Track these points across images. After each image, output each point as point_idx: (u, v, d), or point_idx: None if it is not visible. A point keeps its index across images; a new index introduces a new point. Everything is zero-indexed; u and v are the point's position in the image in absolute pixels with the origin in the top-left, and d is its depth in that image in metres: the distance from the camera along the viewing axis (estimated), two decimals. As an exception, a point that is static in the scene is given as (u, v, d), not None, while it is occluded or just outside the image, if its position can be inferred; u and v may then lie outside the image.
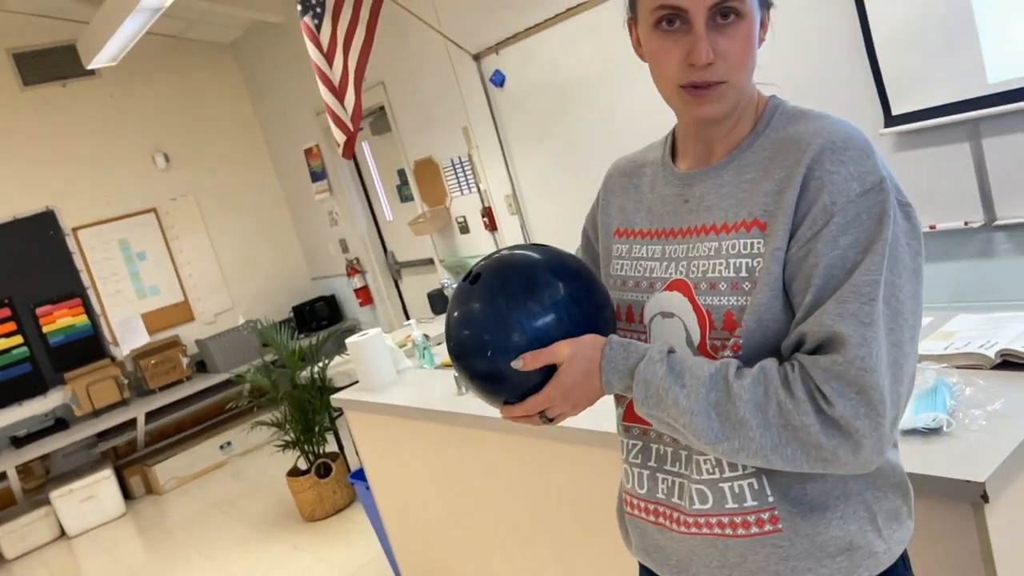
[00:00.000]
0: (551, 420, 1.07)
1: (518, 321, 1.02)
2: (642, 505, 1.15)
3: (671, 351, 1.00)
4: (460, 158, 4.71)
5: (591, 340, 1.02)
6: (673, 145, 1.17)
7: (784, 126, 1.04)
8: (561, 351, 1.01)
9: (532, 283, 1.04)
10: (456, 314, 1.09)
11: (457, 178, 4.81)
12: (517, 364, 1.01)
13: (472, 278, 1.08)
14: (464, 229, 4.91)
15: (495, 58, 4.19)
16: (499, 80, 4.22)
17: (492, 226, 4.65)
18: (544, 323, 1.02)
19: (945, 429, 1.41)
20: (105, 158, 5.97)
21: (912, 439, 1.41)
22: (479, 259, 1.12)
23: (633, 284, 1.14)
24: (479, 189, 4.65)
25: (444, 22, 4.34)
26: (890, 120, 2.67)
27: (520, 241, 4.47)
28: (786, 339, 0.98)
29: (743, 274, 1.00)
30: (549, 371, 1.02)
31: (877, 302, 0.91)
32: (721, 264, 1.02)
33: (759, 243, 0.99)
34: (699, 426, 0.95)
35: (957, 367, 1.62)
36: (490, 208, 4.62)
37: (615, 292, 1.18)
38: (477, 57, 4.28)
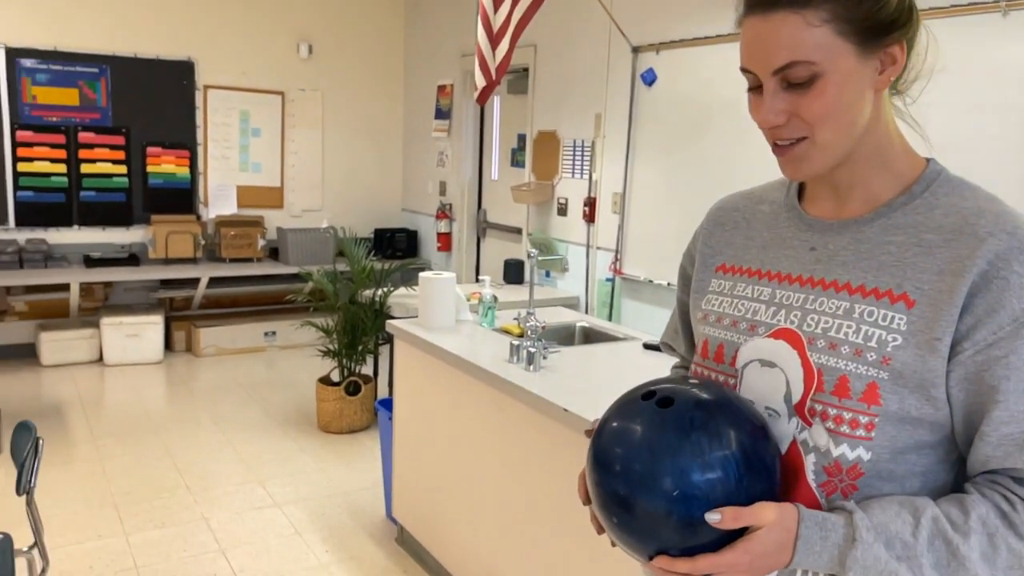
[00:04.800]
0: None
1: (715, 468, 0.88)
2: None
3: (862, 512, 0.90)
4: (583, 142, 4.68)
5: (790, 510, 0.90)
6: (800, 188, 1.09)
7: (947, 195, 0.96)
8: (765, 515, 0.88)
9: (737, 429, 0.91)
10: (632, 437, 0.93)
11: (573, 160, 4.77)
12: (713, 518, 0.87)
13: (660, 400, 0.94)
14: (562, 211, 4.88)
15: (654, 56, 4.13)
16: (650, 79, 4.16)
17: (591, 217, 4.60)
18: (734, 481, 0.89)
19: None
20: (256, 30, 6.13)
21: None
22: (655, 381, 1.01)
23: (730, 323, 1.06)
24: (591, 178, 4.61)
25: (616, 5, 4.29)
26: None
27: (612, 239, 4.42)
28: (979, 458, 0.92)
29: (872, 344, 0.92)
30: (730, 532, 0.90)
31: None
32: (849, 327, 0.94)
33: (901, 319, 0.92)
34: None
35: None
36: (594, 199, 4.58)
37: (704, 327, 1.10)
38: (636, 50, 4.22)
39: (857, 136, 0.95)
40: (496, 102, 5.75)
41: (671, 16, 4.01)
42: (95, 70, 5.61)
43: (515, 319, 2.99)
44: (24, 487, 2.10)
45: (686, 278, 1.21)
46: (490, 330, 3.04)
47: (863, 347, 0.93)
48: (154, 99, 5.83)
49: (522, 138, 5.38)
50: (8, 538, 2.25)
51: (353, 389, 4.38)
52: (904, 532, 0.88)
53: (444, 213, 6.10)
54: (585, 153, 4.67)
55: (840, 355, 0.94)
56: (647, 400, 0.95)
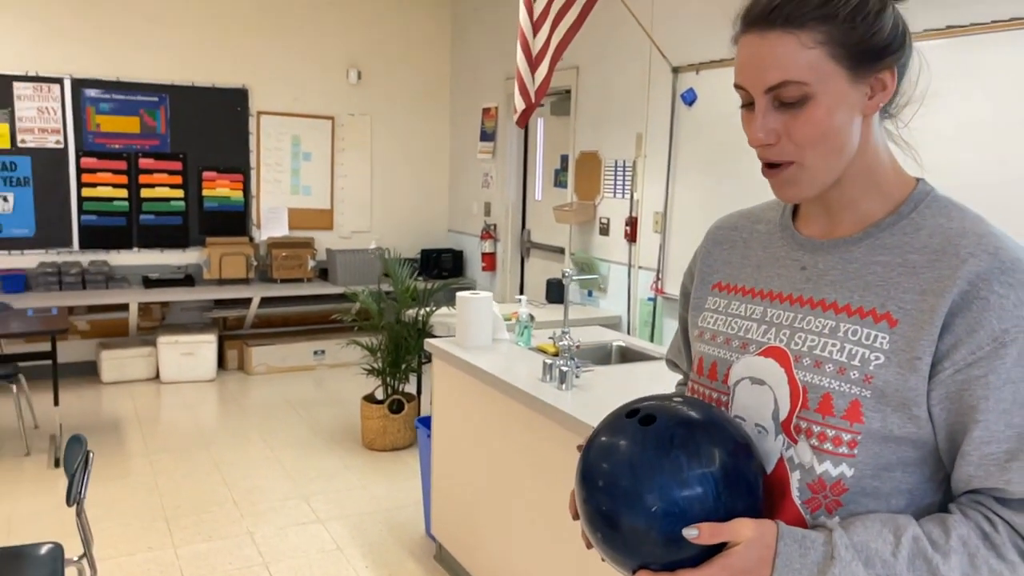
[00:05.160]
0: None
1: (694, 485, 0.90)
2: None
3: (842, 531, 0.91)
4: (624, 162, 4.69)
5: (770, 527, 0.92)
6: (795, 208, 1.11)
7: (934, 215, 0.97)
8: (742, 531, 0.90)
9: (719, 446, 0.93)
10: (615, 453, 0.95)
11: (615, 180, 4.79)
12: (690, 533, 0.89)
13: (643, 418, 0.96)
14: (604, 231, 4.90)
15: (694, 76, 4.13)
16: (690, 98, 4.16)
17: (632, 237, 4.61)
18: (712, 498, 0.90)
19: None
20: (307, 58, 6.32)
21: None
22: (641, 399, 1.02)
23: (723, 340, 1.09)
24: (632, 197, 4.62)
25: (656, 27, 4.31)
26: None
27: (654, 258, 4.42)
28: (962, 478, 0.92)
29: (855, 362, 0.94)
30: (711, 548, 0.91)
31: None
32: (834, 345, 0.96)
33: (883, 338, 0.93)
34: None
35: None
36: (636, 219, 4.59)
37: (700, 344, 1.13)
38: (676, 70, 4.23)
39: (846, 160, 0.97)
40: (540, 123, 5.81)
41: (710, 36, 4.02)
42: (155, 99, 5.85)
43: (550, 338, 3.01)
44: (74, 498, 2.20)
45: (687, 295, 1.23)
46: (526, 349, 3.07)
47: (846, 365, 0.94)
48: (210, 125, 6.05)
49: (565, 159, 5.42)
50: (59, 547, 2.36)
51: (396, 407, 4.44)
52: (884, 551, 0.89)
53: (488, 233, 6.17)
54: (626, 173, 4.69)
55: (824, 373, 0.96)
56: (631, 418, 0.97)
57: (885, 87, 0.95)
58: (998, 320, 0.88)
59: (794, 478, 0.97)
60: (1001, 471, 0.88)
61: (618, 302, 4.76)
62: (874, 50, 0.93)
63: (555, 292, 4.91)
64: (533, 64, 3.88)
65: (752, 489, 0.94)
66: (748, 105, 0.98)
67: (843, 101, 0.93)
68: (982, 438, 0.89)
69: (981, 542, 0.88)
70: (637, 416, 0.96)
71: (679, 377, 1.36)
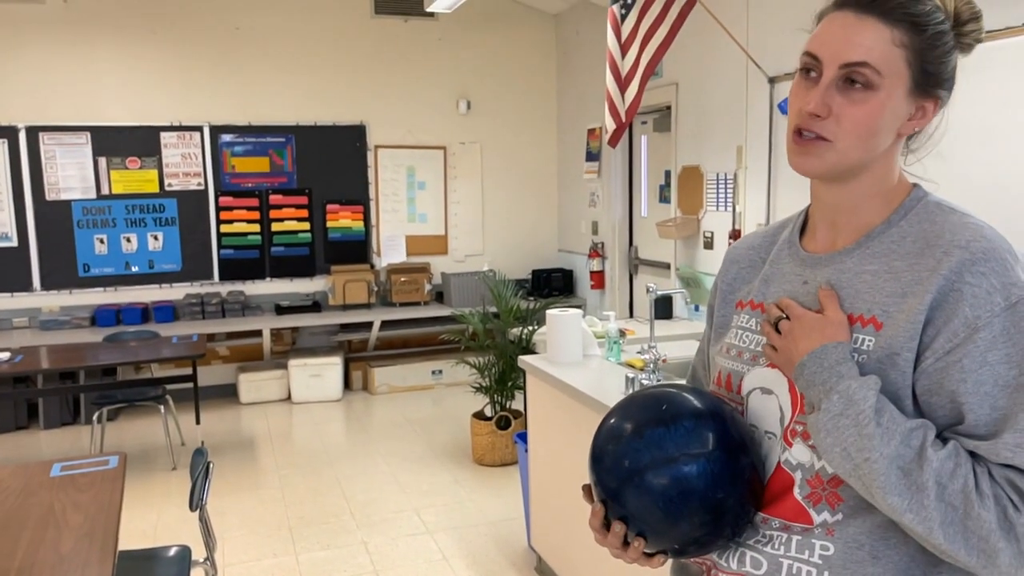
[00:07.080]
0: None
1: (672, 461, 1.02)
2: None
3: (863, 386, 0.96)
4: (726, 175, 4.66)
5: (847, 333, 0.99)
6: (804, 224, 1.16)
7: (920, 222, 1.02)
8: (835, 311, 1.01)
9: (705, 432, 1.04)
10: (612, 423, 1.11)
11: (717, 193, 4.76)
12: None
13: (650, 398, 1.09)
14: (708, 245, 4.86)
15: (790, 85, 4.06)
16: (787, 108, 4.09)
17: (736, 250, 4.55)
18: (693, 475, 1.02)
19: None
20: (419, 92, 6.64)
21: None
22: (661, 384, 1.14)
23: (736, 353, 1.14)
24: (734, 210, 4.57)
25: (751, 39, 4.28)
26: None
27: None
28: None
29: None
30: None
31: None
32: None
33: (869, 340, 0.98)
34: (878, 469, 0.91)
35: None
36: (739, 232, 4.53)
37: (719, 358, 1.19)
38: (773, 80, 4.18)
39: (867, 160, 1.01)
40: (643, 140, 5.84)
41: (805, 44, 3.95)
42: (282, 139, 6.33)
43: (638, 353, 3.05)
44: (196, 503, 2.45)
45: (711, 313, 1.28)
46: (615, 364, 3.12)
47: None
48: (332, 161, 6.47)
49: (668, 174, 5.42)
50: (187, 549, 2.62)
51: (503, 423, 4.58)
52: (896, 414, 0.94)
53: (596, 252, 6.23)
54: (728, 185, 4.65)
55: None
56: (639, 397, 1.10)
57: (925, 115, 1.01)
58: (971, 308, 0.92)
59: (797, 477, 1.02)
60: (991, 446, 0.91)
61: (724, 316, 4.70)
62: (936, 77, 0.99)
63: (661, 308, 4.91)
64: (623, 85, 3.95)
65: (734, 481, 1.02)
66: (806, 72, 1.01)
67: (895, 107, 0.98)
68: (975, 424, 0.92)
69: (970, 462, 0.91)
70: (645, 395, 1.08)
71: None
